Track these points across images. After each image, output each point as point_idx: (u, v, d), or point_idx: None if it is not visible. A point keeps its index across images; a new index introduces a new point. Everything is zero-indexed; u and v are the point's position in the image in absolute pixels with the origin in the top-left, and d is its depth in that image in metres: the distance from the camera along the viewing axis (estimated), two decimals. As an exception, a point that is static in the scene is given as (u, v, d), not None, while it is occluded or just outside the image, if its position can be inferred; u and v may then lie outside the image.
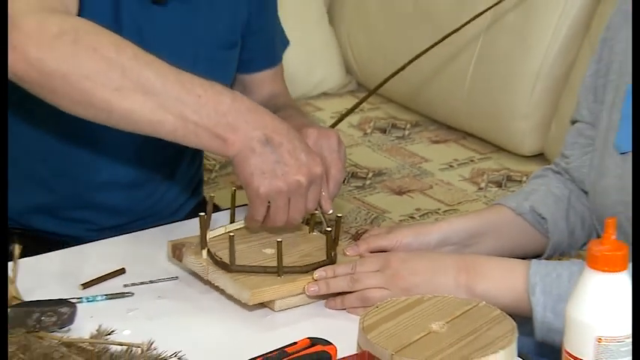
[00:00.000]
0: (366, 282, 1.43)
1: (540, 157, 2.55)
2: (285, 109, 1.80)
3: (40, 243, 1.70)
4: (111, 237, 1.68)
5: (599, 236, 1.54)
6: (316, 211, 1.58)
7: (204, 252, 1.51)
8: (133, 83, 1.44)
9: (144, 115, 1.46)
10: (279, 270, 1.47)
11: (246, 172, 1.45)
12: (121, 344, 1.27)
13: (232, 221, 1.62)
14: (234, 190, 1.62)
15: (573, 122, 1.67)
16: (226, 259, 1.48)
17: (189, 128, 1.45)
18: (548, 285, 1.37)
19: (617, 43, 1.58)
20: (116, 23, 1.66)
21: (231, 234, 1.49)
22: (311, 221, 1.62)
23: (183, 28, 1.75)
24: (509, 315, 1.38)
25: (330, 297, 1.47)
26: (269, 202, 1.47)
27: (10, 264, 1.48)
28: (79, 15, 1.60)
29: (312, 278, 1.47)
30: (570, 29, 2.51)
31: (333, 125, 1.85)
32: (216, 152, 1.53)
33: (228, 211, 1.65)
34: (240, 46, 1.85)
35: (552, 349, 1.32)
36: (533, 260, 1.41)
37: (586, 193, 1.60)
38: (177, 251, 1.55)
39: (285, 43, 1.97)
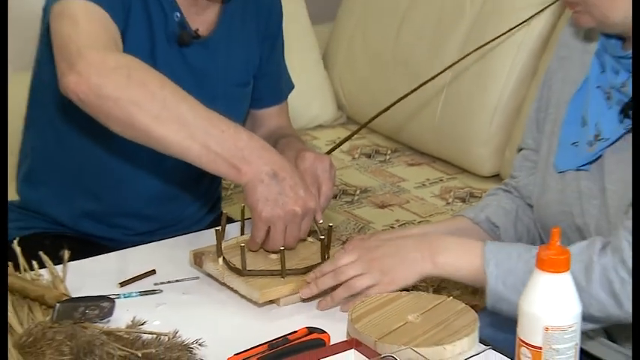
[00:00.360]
0: (348, 272, 1.42)
1: (497, 177, 2.54)
2: (288, 137, 1.79)
3: (85, 245, 1.69)
4: (144, 240, 1.69)
5: (542, 243, 1.53)
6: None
7: (220, 259, 1.50)
8: (170, 114, 1.44)
9: (175, 141, 1.45)
10: (283, 272, 1.47)
11: (253, 198, 1.45)
12: (151, 333, 1.27)
13: (242, 232, 1.61)
14: (244, 206, 1.60)
15: (520, 150, 1.67)
16: (239, 265, 1.48)
17: (211, 157, 1.44)
18: (500, 261, 1.36)
19: (554, 84, 1.58)
20: (150, 60, 1.65)
21: (242, 244, 1.49)
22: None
23: (204, 67, 1.74)
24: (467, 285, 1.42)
25: (321, 297, 1.45)
26: (269, 228, 1.46)
27: (60, 266, 1.48)
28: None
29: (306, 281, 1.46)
30: (520, 74, 2.51)
31: (329, 152, 1.84)
32: (230, 179, 1.56)
33: (238, 223, 1.64)
34: (252, 86, 1.83)
35: (506, 337, 1.29)
36: (487, 241, 1.41)
37: (531, 207, 1.59)
38: (197, 259, 1.54)
39: (290, 86, 1.97)
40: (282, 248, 1.49)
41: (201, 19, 1.74)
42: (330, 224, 1.58)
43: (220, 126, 1.47)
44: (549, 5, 2.35)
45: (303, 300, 1.46)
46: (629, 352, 1.48)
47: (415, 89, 2.09)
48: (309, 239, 1.61)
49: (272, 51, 1.87)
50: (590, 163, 1.46)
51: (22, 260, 1.48)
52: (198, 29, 1.72)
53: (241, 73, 1.82)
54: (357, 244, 1.52)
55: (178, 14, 1.70)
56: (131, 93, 1.47)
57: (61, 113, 1.54)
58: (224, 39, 1.77)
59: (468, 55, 2.29)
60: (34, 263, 1.49)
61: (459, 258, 1.42)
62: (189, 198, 1.83)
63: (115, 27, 1.58)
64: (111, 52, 1.52)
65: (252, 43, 1.82)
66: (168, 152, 1.48)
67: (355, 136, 2.73)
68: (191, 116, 1.46)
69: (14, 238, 1.54)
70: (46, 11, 1.62)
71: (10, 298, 1.37)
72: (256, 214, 1.46)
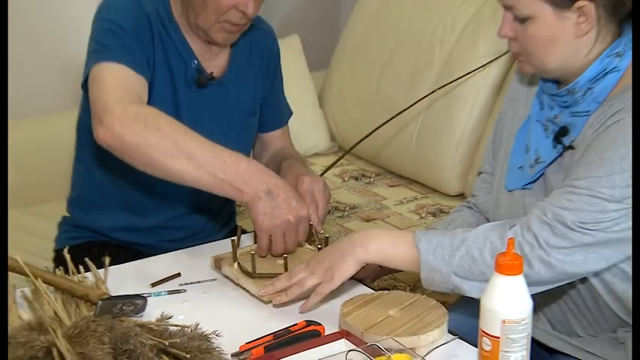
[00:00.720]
0: (298, 274, 1.40)
1: (461, 196, 2.52)
2: (291, 159, 1.79)
3: (123, 250, 1.69)
4: (173, 246, 1.69)
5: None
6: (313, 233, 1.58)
7: (235, 264, 1.51)
8: (181, 152, 1.45)
9: (187, 173, 1.47)
10: None
11: (254, 213, 1.47)
12: (176, 325, 1.26)
13: (254, 241, 1.59)
14: None
15: (479, 173, 1.67)
16: (250, 269, 1.48)
17: (218, 183, 1.45)
18: (429, 238, 1.33)
19: (506, 120, 1.58)
20: (174, 102, 1.68)
21: (253, 252, 1.50)
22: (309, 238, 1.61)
23: (219, 103, 1.75)
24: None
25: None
26: (271, 236, 1.47)
27: (102, 270, 1.47)
28: (150, 98, 1.60)
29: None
30: (479, 112, 2.50)
31: (322, 174, 1.84)
32: (235, 199, 1.58)
33: (251, 233, 1.62)
34: (259, 114, 1.83)
35: (471, 328, 1.28)
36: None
37: (489, 220, 1.57)
38: (217, 263, 1.55)
39: (289, 112, 1.96)
40: (285, 255, 1.49)
41: (215, 64, 1.74)
42: (327, 235, 1.58)
43: (223, 157, 1.47)
44: (502, 55, 2.35)
45: (303, 298, 1.43)
46: (569, 340, 1.48)
47: (392, 118, 2.11)
48: (309, 247, 1.59)
49: (273, 85, 1.88)
50: (533, 182, 1.46)
51: (71, 265, 1.47)
52: (212, 72, 1.73)
53: (250, 105, 1.82)
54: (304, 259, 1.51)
55: (195, 62, 1.71)
56: (148, 138, 1.48)
57: (102, 152, 1.55)
58: (234, 78, 1.77)
59: (437, 89, 2.29)
60: (82, 268, 1.49)
61: (390, 244, 1.38)
62: (208, 214, 1.82)
63: (140, 80, 1.59)
64: (132, 104, 1.53)
65: (258, 80, 1.83)
66: (183, 183, 1.50)
67: (345, 162, 2.76)
68: (199, 152, 1.47)
69: (65, 247, 1.55)
70: (86, 68, 1.63)
71: (60, 296, 1.37)
72: (258, 226, 1.47)
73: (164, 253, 1.65)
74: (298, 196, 1.51)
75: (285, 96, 1.93)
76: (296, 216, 1.47)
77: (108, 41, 1.59)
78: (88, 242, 1.78)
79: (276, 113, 1.91)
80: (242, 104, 1.79)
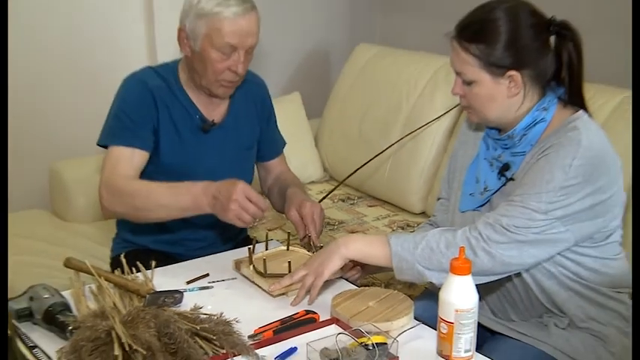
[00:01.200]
0: (298, 274, 1.39)
1: (423, 214, 2.52)
2: (293, 187, 1.75)
3: (162, 256, 1.67)
4: (199, 254, 1.67)
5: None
6: (311, 244, 1.58)
7: (251, 267, 1.49)
8: (153, 205, 1.56)
9: (165, 215, 1.58)
10: None
11: (216, 214, 1.50)
12: (205, 314, 1.26)
13: (267, 247, 1.60)
14: (267, 232, 1.61)
15: (438, 199, 1.66)
16: (262, 270, 1.46)
17: (186, 211, 1.55)
18: (398, 236, 1.33)
19: (458, 158, 1.58)
20: (181, 147, 1.68)
21: (264, 258, 1.48)
22: (307, 245, 1.61)
23: (221, 143, 1.73)
24: (383, 269, 1.42)
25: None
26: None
27: (149, 271, 1.47)
28: (161, 145, 1.68)
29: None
30: (437, 150, 2.48)
31: (321, 200, 1.84)
32: (205, 212, 1.54)
33: (263, 243, 1.62)
34: (258, 147, 1.81)
35: (431, 316, 1.28)
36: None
37: None
38: (237, 265, 1.54)
39: (283, 143, 1.94)
40: (289, 260, 1.48)
41: (216, 112, 1.74)
42: (321, 245, 1.58)
43: (178, 193, 1.53)
44: (453, 108, 2.36)
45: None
46: (506, 324, 1.48)
47: (373, 158, 2.13)
48: (308, 254, 1.59)
49: (269, 124, 1.87)
50: (481, 206, 1.46)
51: (126, 268, 1.48)
52: (214, 119, 1.72)
53: (247, 141, 1.81)
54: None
55: (198, 114, 1.71)
56: (130, 207, 1.58)
57: None
58: (233, 121, 1.76)
59: (405, 136, 2.32)
60: (134, 270, 1.49)
61: (366, 243, 1.38)
62: (219, 228, 1.79)
63: (139, 155, 1.64)
64: (117, 180, 1.60)
65: (254, 122, 1.82)
66: (166, 220, 1.60)
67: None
68: (163, 199, 1.55)
69: (121, 254, 1.56)
70: (101, 133, 1.69)
71: (117, 291, 1.38)
72: (225, 220, 1.48)
73: (190, 259, 1.64)
74: (224, 185, 1.49)
75: (279, 131, 1.93)
76: (232, 199, 1.45)
77: (114, 125, 1.66)
78: (135, 249, 1.78)
79: (273, 145, 1.90)
80: (240, 141, 1.79)
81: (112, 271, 1.49)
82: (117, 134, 1.64)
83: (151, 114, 1.66)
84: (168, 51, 2.38)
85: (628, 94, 2.01)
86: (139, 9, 2.64)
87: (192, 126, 1.70)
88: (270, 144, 1.89)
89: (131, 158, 1.63)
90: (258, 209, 1.47)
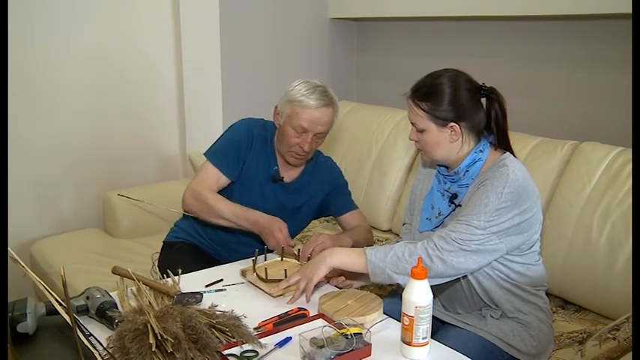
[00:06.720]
0: (293, 279, 1.36)
1: (390, 231, 2.49)
2: (349, 231, 1.76)
3: (195, 251, 1.76)
4: (243, 255, 1.66)
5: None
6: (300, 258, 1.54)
7: (255, 274, 1.47)
8: (218, 214, 1.57)
9: (225, 224, 1.63)
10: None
11: (260, 234, 1.58)
12: (220, 311, 1.23)
13: (265, 259, 1.57)
14: (265, 247, 1.58)
15: (404, 224, 1.64)
16: (263, 276, 1.44)
17: (240, 226, 1.61)
18: (373, 248, 1.29)
19: (417, 191, 1.56)
20: (260, 187, 1.71)
21: (265, 267, 1.47)
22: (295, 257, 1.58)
23: (282, 196, 1.73)
24: (360, 274, 1.34)
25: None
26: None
27: (177, 277, 1.45)
28: (247, 182, 1.70)
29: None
30: (399, 182, 2.43)
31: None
32: (250, 230, 1.62)
33: (262, 255, 1.60)
34: (328, 206, 1.81)
35: (396, 310, 1.25)
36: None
37: None
38: (243, 273, 1.51)
39: (355, 205, 1.84)
40: (285, 269, 1.46)
41: (289, 173, 1.75)
42: (310, 256, 1.53)
43: (238, 214, 1.61)
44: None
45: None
46: (454, 316, 1.46)
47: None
48: (299, 263, 1.56)
49: (339, 190, 1.82)
50: (437, 227, 1.45)
51: (159, 274, 1.47)
52: (284, 177, 1.73)
53: (300, 203, 1.79)
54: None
55: (276, 167, 1.73)
56: (201, 210, 1.63)
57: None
58: (297, 185, 1.76)
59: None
60: (164, 275, 1.46)
61: (347, 255, 1.34)
62: (247, 238, 1.75)
63: (224, 179, 1.68)
64: (202, 190, 1.64)
65: (312, 191, 1.78)
66: (229, 225, 1.62)
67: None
68: (226, 213, 1.62)
69: (171, 241, 1.74)
70: (209, 149, 1.72)
71: (152, 292, 1.35)
72: (265, 240, 1.56)
73: (221, 259, 1.68)
74: (264, 216, 1.57)
75: (350, 197, 1.85)
76: (267, 226, 1.56)
77: (218, 148, 1.71)
78: (180, 242, 1.79)
79: (341, 204, 1.82)
80: (295, 201, 1.78)
81: (161, 256, 1.63)
82: (217, 156, 1.68)
83: (246, 153, 1.69)
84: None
85: (540, 139, 2.02)
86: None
87: (267, 174, 1.73)
88: (338, 202, 1.82)
89: (218, 179, 1.67)
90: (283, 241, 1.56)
